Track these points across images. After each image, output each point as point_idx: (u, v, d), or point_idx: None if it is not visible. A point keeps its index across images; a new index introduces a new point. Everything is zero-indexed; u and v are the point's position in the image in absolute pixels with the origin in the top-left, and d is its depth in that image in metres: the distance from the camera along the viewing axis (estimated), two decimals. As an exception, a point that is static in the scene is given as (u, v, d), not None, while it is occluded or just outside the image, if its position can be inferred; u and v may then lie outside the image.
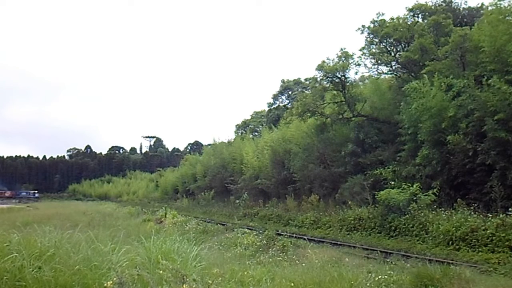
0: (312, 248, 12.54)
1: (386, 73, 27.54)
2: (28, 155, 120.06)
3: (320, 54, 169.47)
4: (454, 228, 13.94)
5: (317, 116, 26.74)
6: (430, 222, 15.31)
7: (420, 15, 26.08)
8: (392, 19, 25.43)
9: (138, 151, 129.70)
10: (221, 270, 7.18)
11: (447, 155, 17.90)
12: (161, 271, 5.27)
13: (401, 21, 25.19)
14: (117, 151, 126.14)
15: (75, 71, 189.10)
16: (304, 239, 15.88)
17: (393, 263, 10.60)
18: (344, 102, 25.80)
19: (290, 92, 54.06)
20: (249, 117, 62.56)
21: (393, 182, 18.28)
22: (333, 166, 26.07)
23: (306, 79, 49.98)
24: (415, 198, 16.66)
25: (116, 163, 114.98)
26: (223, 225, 22.25)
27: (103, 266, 5.65)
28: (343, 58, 25.27)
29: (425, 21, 24.99)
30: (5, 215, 29.35)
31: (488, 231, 12.96)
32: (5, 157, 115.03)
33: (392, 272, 7.80)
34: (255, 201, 32.14)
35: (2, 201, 73.81)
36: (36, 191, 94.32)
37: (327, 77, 25.69)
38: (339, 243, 16.84)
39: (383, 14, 25.70)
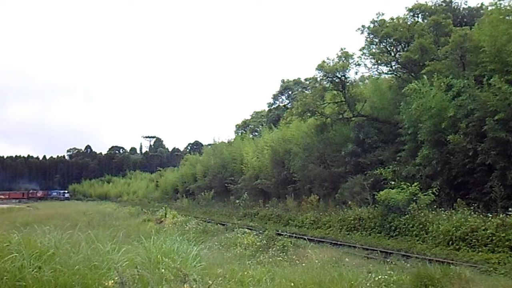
0: (312, 248, 12.52)
1: (386, 73, 27.54)
2: (28, 155, 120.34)
3: (320, 54, 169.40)
4: (454, 228, 13.95)
5: (317, 116, 26.72)
6: (430, 222, 15.31)
7: (420, 15, 26.08)
8: (392, 19, 25.42)
9: (138, 151, 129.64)
10: (221, 270, 7.18)
11: (447, 155, 17.89)
12: (162, 270, 5.27)
13: (401, 21, 25.18)
14: (117, 151, 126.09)
15: (75, 71, 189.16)
16: (304, 239, 15.86)
17: (393, 263, 10.60)
18: (344, 102, 25.80)
19: (290, 92, 54.03)
20: (249, 117, 62.55)
21: (393, 182, 18.26)
22: (333, 166, 26.06)
23: (306, 79, 50.00)
24: (415, 198, 16.66)
25: (116, 163, 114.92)
26: (223, 225, 22.24)
27: (103, 266, 5.66)
28: (343, 58, 25.25)
29: (425, 21, 24.98)
30: (5, 215, 29.41)
31: (488, 231, 12.96)
32: (5, 157, 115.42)
33: (392, 272, 7.80)
34: (255, 201, 32.11)
35: (3, 201, 73.94)
36: (66, 191, 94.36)
37: (327, 77, 25.67)
38: (339, 243, 16.83)
39: (383, 14, 25.74)
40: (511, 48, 16.60)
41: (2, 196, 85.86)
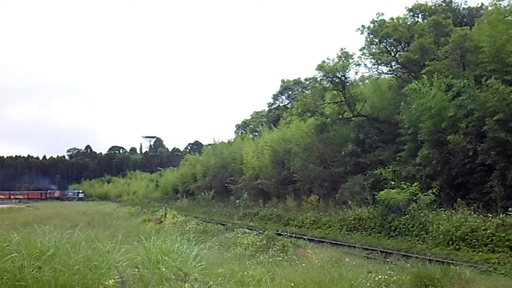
0: (312, 248, 12.50)
1: (386, 73, 27.57)
2: (28, 155, 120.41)
3: (320, 54, 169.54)
4: (454, 228, 13.94)
5: (317, 116, 26.74)
6: (430, 222, 15.31)
7: (420, 15, 26.08)
8: (392, 19, 25.42)
9: (138, 151, 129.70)
10: (222, 270, 7.18)
11: (447, 155, 17.90)
12: (164, 269, 5.27)
13: (401, 21, 25.18)
14: (117, 151, 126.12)
15: (75, 72, 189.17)
16: (304, 239, 15.84)
17: (393, 263, 10.60)
18: (344, 102, 25.80)
19: (290, 92, 54.02)
20: (249, 117, 62.56)
21: (393, 182, 18.26)
22: (333, 166, 26.07)
23: (306, 79, 49.97)
24: (415, 198, 16.67)
25: (116, 163, 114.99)
26: (223, 225, 22.22)
27: (103, 266, 5.66)
28: (343, 58, 25.26)
29: (425, 21, 24.97)
30: (5, 215, 29.37)
31: (488, 231, 12.96)
32: (5, 157, 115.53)
33: (392, 272, 7.80)
34: (255, 201, 32.10)
35: (3, 201, 74.01)
36: (81, 191, 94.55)
37: (327, 77, 25.68)
38: (339, 243, 16.83)
39: (383, 14, 25.72)
40: (510, 48, 16.62)
41: (21, 196, 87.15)
